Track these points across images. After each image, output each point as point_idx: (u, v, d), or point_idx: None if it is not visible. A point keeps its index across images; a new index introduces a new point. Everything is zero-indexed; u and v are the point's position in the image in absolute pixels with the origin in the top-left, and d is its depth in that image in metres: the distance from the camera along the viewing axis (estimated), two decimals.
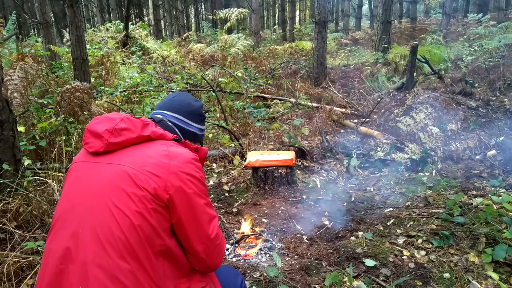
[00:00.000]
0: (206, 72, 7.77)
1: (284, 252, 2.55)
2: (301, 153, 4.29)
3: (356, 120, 5.61)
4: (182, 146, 1.27)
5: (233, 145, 4.55)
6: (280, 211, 3.15)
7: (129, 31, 10.63)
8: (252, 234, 2.74)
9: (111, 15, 21.88)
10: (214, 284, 1.28)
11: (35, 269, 2.12)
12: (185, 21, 26.96)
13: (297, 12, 28.81)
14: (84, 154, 1.22)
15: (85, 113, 4.02)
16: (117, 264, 1.01)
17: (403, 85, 6.14)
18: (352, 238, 2.62)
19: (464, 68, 7.85)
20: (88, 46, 7.36)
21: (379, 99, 5.70)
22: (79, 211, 1.09)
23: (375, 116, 5.36)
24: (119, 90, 6.08)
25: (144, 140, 1.20)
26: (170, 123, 1.35)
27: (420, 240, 2.46)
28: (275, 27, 27.58)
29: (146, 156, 1.15)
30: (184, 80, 6.67)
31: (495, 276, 1.99)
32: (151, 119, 1.33)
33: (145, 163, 1.12)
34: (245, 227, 2.85)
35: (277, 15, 32.35)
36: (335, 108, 6.07)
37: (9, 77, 4.04)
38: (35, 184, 2.87)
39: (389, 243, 2.48)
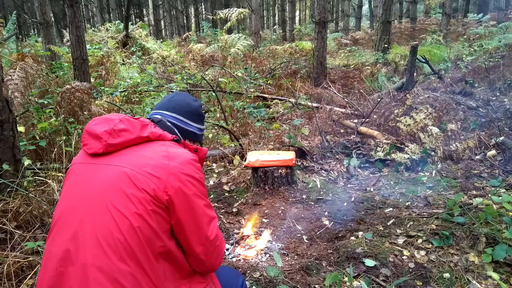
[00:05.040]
0: (206, 72, 7.77)
1: (284, 252, 2.55)
2: (301, 153, 4.29)
3: (356, 120, 5.61)
4: (181, 147, 1.27)
5: (233, 145, 4.55)
6: (280, 211, 3.15)
7: (129, 31, 10.63)
8: (253, 234, 2.74)
9: (111, 15, 21.89)
10: (214, 285, 1.28)
11: (35, 269, 2.12)
12: (185, 21, 26.96)
13: (297, 12, 28.81)
14: (83, 155, 1.21)
15: (85, 113, 4.02)
16: (117, 266, 1.01)
17: (403, 85, 6.13)
18: (352, 238, 2.62)
19: (464, 68, 7.84)
20: (88, 46, 7.37)
21: (379, 99, 5.70)
22: (78, 213, 1.09)
23: (375, 116, 5.36)
24: (119, 90, 6.08)
25: (143, 141, 1.20)
26: (169, 123, 1.35)
27: (420, 240, 2.46)
28: (275, 27, 27.60)
29: (145, 157, 1.14)
30: (184, 80, 6.66)
31: (495, 276, 1.99)
32: (150, 119, 1.33)
33: (145, 164, 1.12)
34: (247, 227, 2.84)
35: (277, 15, 32.36)
36: (335, 108, 6.07)
37: (9, 77, 4.04)
38: (35, 184, 2.87)
39: (389, 243, 2.48)
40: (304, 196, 3.41)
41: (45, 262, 1.07)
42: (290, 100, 6.51)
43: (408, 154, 3.86)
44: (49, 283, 1.03)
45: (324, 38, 8.08)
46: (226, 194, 3.53)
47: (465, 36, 11.43)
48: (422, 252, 2.35)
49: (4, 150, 2.57)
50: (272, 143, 4.58)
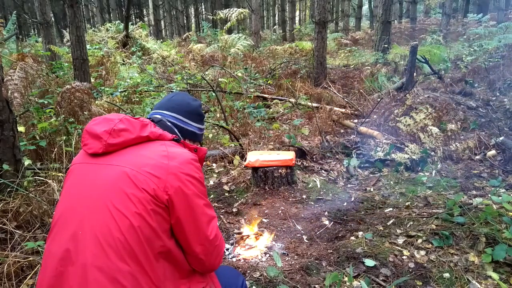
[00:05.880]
0: (206, 72, 7.77)
1: (284, 252, 2.55)
2: (301, 153, 4.29)
3: (356, 120, 5.61)
4: (181, 146, 1.27)
5: (233, 145, 4.55)
6: (280, 211, 3.15)
7: (129, 31, 10.63)
8: (254, 234, 2.74)
9: (111, 15, 21.90)
10: (214, 285, 1.28)
11: (35, 269, 2.12)
12: (185, 21, 26.97)
13: (297, 12, 28.82)
14: (83, 155, 1.21)
15: (85, 113, 4.02)
16: (117, 266, 1.01)
17: (403, 85, 6.13)
18: (352, 238, 2.62)
19: (464, 68, 7.84)
20: (88, 46, 7.37)
21: (379, 99, 5.70)
22: (78, 212, 1.09)
23: (375, 116, 5.36)
24: (119, 90, 6.08)
25: (143, 140, 1.20)
26: (169, 123, 1.35)
27: (420, 240, 2.46)
28: (275, 27, 27.60)
29: (145, 157, 1.14)
30: (184, 80, 6.67)
31: (495, 276, 1.99)
32: (150, 119, 1.33)
33: (144, 164, 1.12)
34: (247, 227, 2.84)
35: (277, 15, 32.36)
36: (335, 108, 6.07)
37: (9, 77, 4.04)
38: (35, 184, 2.87)
39: (389, 243, 2.48)
40: (304, 196, 3.41)
41: (45, 261, 1.07)
42: (290, 100, 6.51)
43: (408, 154, 3.86)
44: (49, 282, 1.03)
45: (324, 38, 8.08)
46: (226, 194, 3.53)
47: (465, 36, 11.43)
48: (422, 252, 2.35)
49: (4, 150, 2.57)
50: (272, 143, 4.58)
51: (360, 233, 2.65)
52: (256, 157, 3.51)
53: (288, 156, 3.55)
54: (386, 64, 8.99)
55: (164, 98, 1.45)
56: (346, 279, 2.14)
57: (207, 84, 5.92)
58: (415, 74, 6.46)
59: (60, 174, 2.93)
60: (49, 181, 2.69)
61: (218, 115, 5.68)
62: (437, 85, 6.79)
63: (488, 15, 14.32)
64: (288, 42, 15.58)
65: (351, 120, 5.61)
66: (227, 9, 11.18)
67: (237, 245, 2.63)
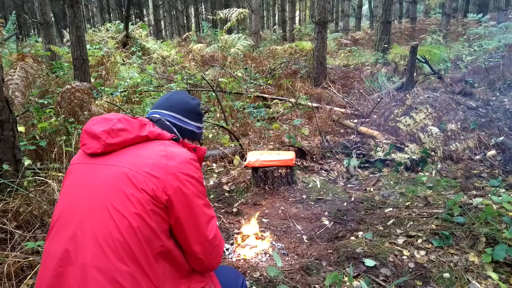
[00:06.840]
0: (206, 72, 7.77)
1: (284, 252, 2.55)
2: (301, 153, 4.29)
3: (356, 120, 5.61)
4: (180, 146, 1.26)
5: (233, 145, 4.55)
6: (280, 211, 3.15)
7: (129, 31, 10.63)
8: (254, 234, 2.74)
9: (111, 15, 21.91)
10: (214, 284, 1.28)
11: (35, 269, 2.12)
12: (185, 21, 26.98)
13: (297, 12, 28.82)
14: (81, 155, 1.21)
15: (85, 113, 4.02)
16: (116, 267, 1.01)
17: (403, 85, 6.13)
18: (352, 238, 2.62)
19: (464, 68, 7.84)
20: (88, 46, 7.37)
21: (379, 99, 5.70)
22: (78, 213, 1.08)
23: (375, 116, 5.36)
24: (119, 90, 6.09)
25: (142, 140, 1.19)
26: (168, 123, 1.34)
27: (420, 240, 2.46)
28: (275, 27, 27.61)
29: (144, 157, 1.14)
30: (184, 80, 6.67)
31: (495, 276, 1.99)
32: (149, 118, 1.32)
33: (143, 164, 1.12)
34: (247, 227, 2.84)
35: (277, 15, 32.37)
36: (335, 108, 6.07)
37: (10, 77, 4.04)
38: (35, 184, 2.87)
39: (389, 243, 2.48)
40: (304, 196, 3.41)
41: (45, 262, 1.07)
42: (290, 100, 6.51)
43: (408, 154, 3.86)
44: (48, 283, 1.03)
45: (324, 38, 8.08)
46: (226, 194, 3.53)
47: (465, 36, 11.42)
48: (422, 252, 2.35)
49: (4, 150, 2.57)
50: (272, 143, 4.58)
51: (360, 233, 2.65)
52: (256, 157, 3.51)
53: (288, 156, 3.55)
54: (386, 64, 9.00)
55: (162, 98, 1.44)
56: (346, 279, 2.14)
57: (207, 84, 5.92)
58: (415, 74, 6.46)
59: (60, 174, 2.92)
60: (49, 181, 2.69)
61: (218, 115, 5.68)
62: (437, 85, 6.79)
63: (488, 15, 14.32)
64: (288, 42, 15.57)
65: (351, 120, 5.61)
66: (227, 9, 11.18)
67: (237, 245, 2.63)
